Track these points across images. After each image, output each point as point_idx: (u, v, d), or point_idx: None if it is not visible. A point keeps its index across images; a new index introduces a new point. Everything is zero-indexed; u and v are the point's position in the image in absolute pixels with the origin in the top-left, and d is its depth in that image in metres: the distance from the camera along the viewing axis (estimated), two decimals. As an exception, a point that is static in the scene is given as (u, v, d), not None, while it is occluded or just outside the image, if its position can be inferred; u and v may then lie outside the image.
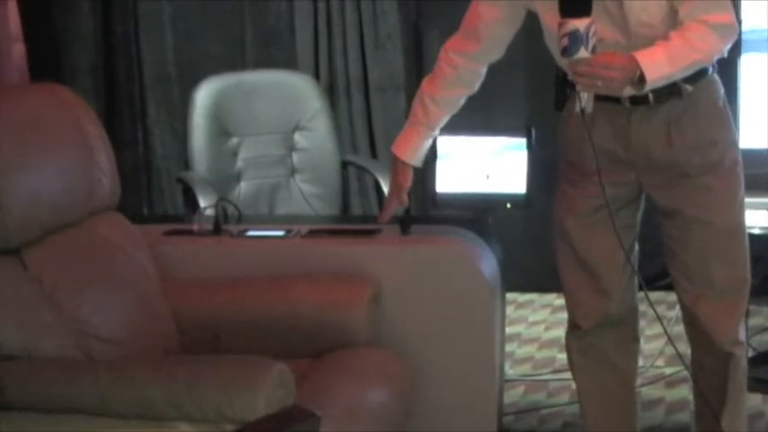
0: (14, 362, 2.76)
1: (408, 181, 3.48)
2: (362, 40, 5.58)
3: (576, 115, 2.99)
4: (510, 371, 4.45)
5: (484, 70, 3.34)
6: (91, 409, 2.64)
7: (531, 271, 5.38)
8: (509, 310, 4.29)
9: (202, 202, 4.21)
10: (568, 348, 3.44)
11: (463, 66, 3.29)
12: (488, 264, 3.60)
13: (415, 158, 3.45)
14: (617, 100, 3.04)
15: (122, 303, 3.15)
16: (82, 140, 3.20)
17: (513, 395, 4.30)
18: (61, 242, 3.07)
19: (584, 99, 2.95)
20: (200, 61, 5.45)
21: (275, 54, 5.66)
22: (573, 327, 3.40)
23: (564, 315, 5.17)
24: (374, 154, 5.59)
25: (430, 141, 3.45)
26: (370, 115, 5.61)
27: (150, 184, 5.57)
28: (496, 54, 3.30)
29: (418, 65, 5.54)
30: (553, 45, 3.03)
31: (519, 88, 5.29)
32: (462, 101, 3.37)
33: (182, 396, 2.60)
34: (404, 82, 5.52)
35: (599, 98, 2.99)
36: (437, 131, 3.44)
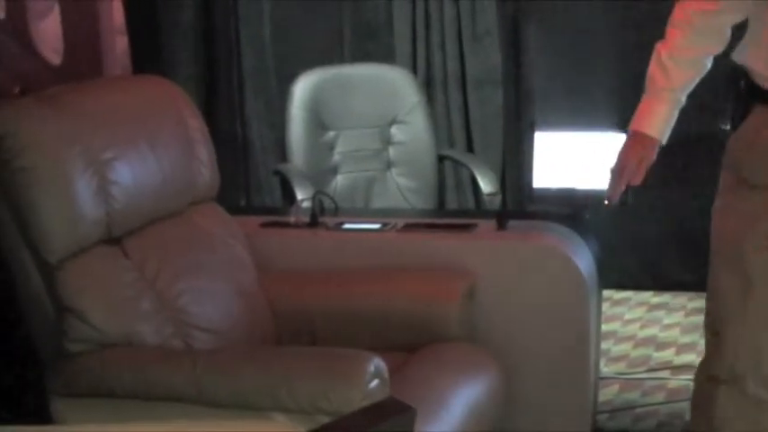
0: (115, 349, 2.80)
1: (652, 157, 3.00)
2: (460, 34, 5.56)
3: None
4: (605, 369, 4.42)
5: (728, 32, 2.95)
6: (188, 397, 2.67)
7: (627, 268, 5.33)
8: (604, 307, 4.24)
9: (299, 195, 4.23)
10: (715, 402, 2.89)
11: (702, 22, 2.91)
12: (584, 260, 3.57)
13: (662, 131, 2.99)
14: None
15: (220, 294, 3.17)
16: (183, 132, 3.24)
17: (607, 393, 4.27)
18: (161, 232, 3.11)
19: None
20: (298, 54, 5.47)
21: (373, 48, 5.67)
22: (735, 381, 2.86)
23: (659, 313, 5.17)
24: (471, 148, 5.57)
25: (677, 112, 2.98)
26: (468, 110, 5.59)
27: (248, 176, 5.60)
28: (738, 17, 2.90)
29: (516, 60, 5.51)
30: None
31: (619, 83, 5.25)
32: (709, 62, 2.97)
33: (278, 387, 2.62)
34: (501, 77, 5.49)
35: None
36: (684, 99, 2.98)
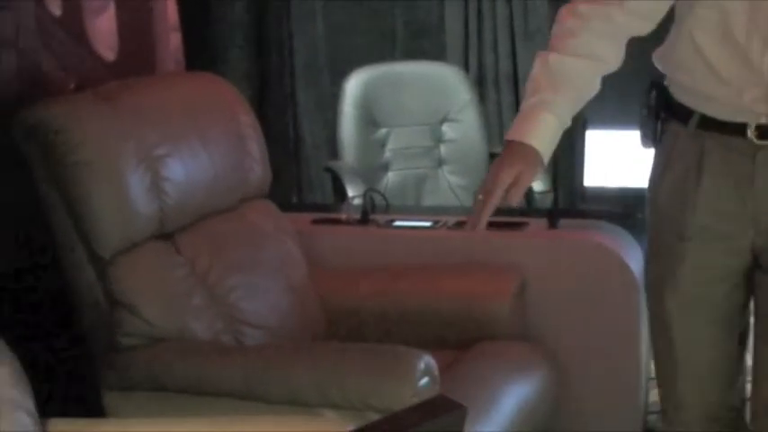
0: (167, 344, 2.81)
1: (532, 176, 2.46)
2: (512, 33, 5.54)
3: (684, 156, 2.40)
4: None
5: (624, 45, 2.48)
6: (238, 393, 2.68)
7: None
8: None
9: (350, 192, 4.24)
10: None
11: (602, 26, 2.45)
12: (636, 259, 3.54)
13: (547, 145, 2.44)
14: (740, 132, 2.33)
15: (272, 290, 3.18)
16: (235, 129, 3.25)
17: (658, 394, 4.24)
18: (213, 228, 3.12)
19: None
20: (350, 52, 5.47)
21: (425, 46, 5.66)
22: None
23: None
24: (522, 147, 5.56)
25: (560, 134, 2.43)
26: (519, 108, 5.57)
27: (299, 173, 5.61)
28: (645, 25, 2.44)
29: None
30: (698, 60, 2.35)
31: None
32: (598, 83, 2.47)
33: (328, 384, 2.62)
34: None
35: (708, 128, 2.37)
36: (569, 121, 2.44)
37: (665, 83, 2.48)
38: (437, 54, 5.57)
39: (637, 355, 3.50)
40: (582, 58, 2.37)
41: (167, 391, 2.72)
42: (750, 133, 2.31)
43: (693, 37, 2.34)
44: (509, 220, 3.73)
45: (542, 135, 2.38)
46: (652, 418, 3.95)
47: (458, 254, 3.50)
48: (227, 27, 5.19)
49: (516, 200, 2.41)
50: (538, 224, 3.61)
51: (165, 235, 2.97)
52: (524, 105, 2.42)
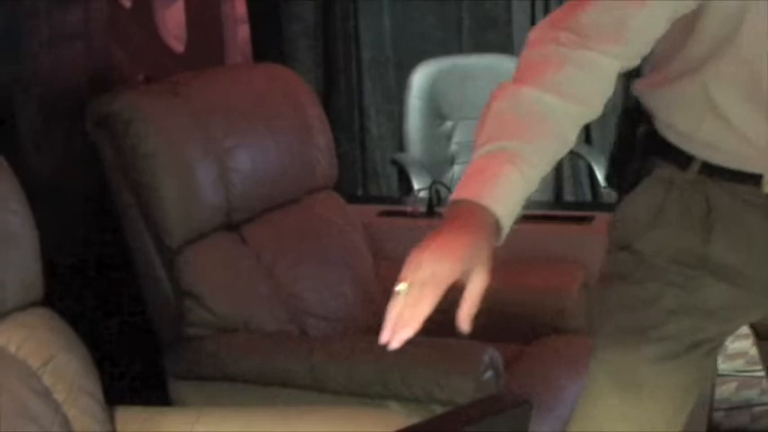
0: (233, 334, 2.83)
1: (486, 256, 1.73)
2: (579, 25, 5.51)
3: (682, 211, 2.00)
4: (722, 366, 4.35)
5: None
6: (303, 383, 2.69)
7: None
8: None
9: (416, 184, 4.24)
10: None
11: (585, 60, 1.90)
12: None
13: (510, 208, 1.74)
14: (753, 182, 1.95)
15: (337, 281, 3.19)
16: (302, 120, 3.26)
17: (724, 391, 4.21)
18: (279, 219, 3.14)
19: None
20: (416, 44, 5.47)
21: (492, 38, 5.64)
22: None
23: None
24: (588, 140, 5.53)
25: (524, 197, 1.76)
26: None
27: (365, 165, 5.62)
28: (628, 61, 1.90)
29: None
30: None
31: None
32: (574, 134, 1.85)
33: (392, 376, 2.62)
34: (619, 69, 5.43)
35: (713, 174, 1.97)
36: (537, 182, 1.77)
37: (655, 122, 2.04)
38: (504, 47, 5.54)
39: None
40: (566, 98, 1.76)
41: (233, 380, 2.74)
42: (766, 178, 1.95)
43: (710, 92, 1.92)
44: (575, 214, 3.72)
45: (506, 197, 1.69)
46: (718, 415, 3.92)
47: (524, 247, 3.47)
48: (295, 19, 5.21)
49: (468, 318, 1.71)
50: (604, 219, 3.58)
51: (232, 226, 2.99)
52: (481, 153, 1.70)
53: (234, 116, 3.03)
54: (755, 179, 1.94)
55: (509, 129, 1.72)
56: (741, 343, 4.75)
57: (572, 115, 1.78)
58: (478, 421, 1.51)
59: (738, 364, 4.53)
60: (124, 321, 3.03)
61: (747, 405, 4.15)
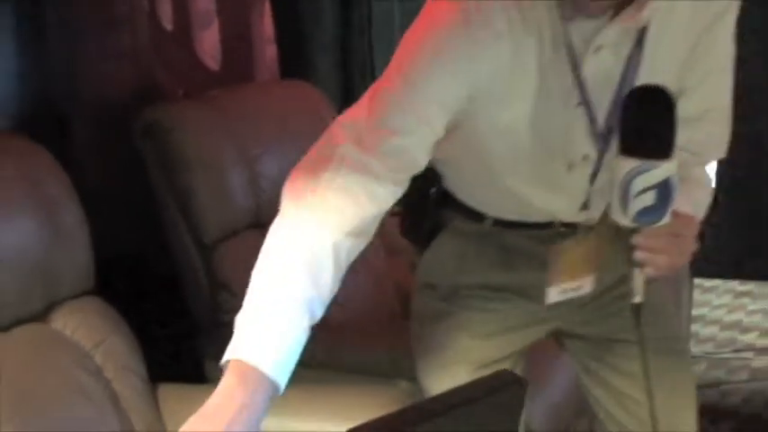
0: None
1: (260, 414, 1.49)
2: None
3: (479, 254, 1.97)
4: (694, 348, 4.34)
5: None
6: (323, 363, 2.68)
7: (715, 260, 5.23)
8: (695, 294, 4.17)
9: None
10: None
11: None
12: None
13: (281, 363, 1.54)
14: (543, 227, 1.95)
15: (352, 271, 3.18)
16: (323, 130, 3.24)
17: (696, 371, 4.20)
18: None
19: (640, 286, 1.75)
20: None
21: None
22: None
23: (744, 300, 5.07)
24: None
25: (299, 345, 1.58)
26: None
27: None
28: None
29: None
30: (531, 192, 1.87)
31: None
32: (335, 280, 1.68)
33: (401, 358, 2.62)
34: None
35: (507, 226, 1.95)
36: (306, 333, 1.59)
37: (446, 184, 1.96)
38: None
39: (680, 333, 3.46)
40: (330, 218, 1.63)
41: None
42: (555, 227, 1.95)
43: (490, 165, 1.85)
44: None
45: (268, 350, 1.49)
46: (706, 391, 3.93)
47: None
48: (317, 40, 5.21)
49: None
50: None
51: (260, 224, 2.99)
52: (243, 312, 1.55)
53: (262, 127, 3.03)
54: (543, 224, 1.94)
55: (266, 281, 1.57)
56: (710, 329, 4.75)
57: (327, 252, 1.62)
58: (479, 399, 1.51)
59: (708, 347, 4.52)
60: (164, 308, 3.03)
61: (716, 383, 4.14)
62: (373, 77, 5.61)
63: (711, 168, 2.00)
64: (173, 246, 2.89)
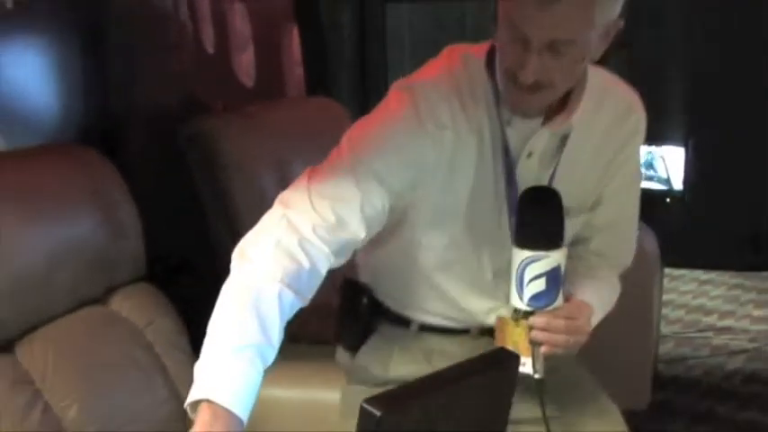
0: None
1: None
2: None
3: (403, 356, 1.90)
4: (664, 329, 4.34)
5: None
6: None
7: (682, 251, 5.22)
8: (665, 281, 4.17)
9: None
10: None
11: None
12: (651, 244, 3.50)
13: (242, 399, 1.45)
14: (464, 332, 1.91)
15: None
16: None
17: (665, 348, 4.19)
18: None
19: (540, 363, 1.71)
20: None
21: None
22: None
23: (707, 287, 5.06)
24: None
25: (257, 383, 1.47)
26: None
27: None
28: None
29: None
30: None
31: (680, 104, 5.14)
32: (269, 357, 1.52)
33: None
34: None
35: (432, 330, 1.89)
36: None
37: (375, 293, 1.91)
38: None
39: (650, 317, 3.47)
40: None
41: (296, 341, 2.73)
42: (473, 333, 1.91)
43: (425, 262, 1.80)
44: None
45: (235, 389, 1.42)
46: (660, 365, 3.91)
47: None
48: (339, 62, 5.21)
49: None
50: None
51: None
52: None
53: (292, 137, 3.03)
54: (465, 331, 1.90)
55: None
56: (677, 312, 4.74)
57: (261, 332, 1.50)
58: (478, 372, 1.51)
59: (676, 327, 4.52)
60: (206, 294, 3.03)
61: (683, 359, 4.14)
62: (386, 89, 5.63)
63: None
64: (216, 246, 2.88)
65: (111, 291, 2.22)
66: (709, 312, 4.72)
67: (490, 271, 1.81)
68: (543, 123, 1.69)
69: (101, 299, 2.21)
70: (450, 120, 1.67)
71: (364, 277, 1.93)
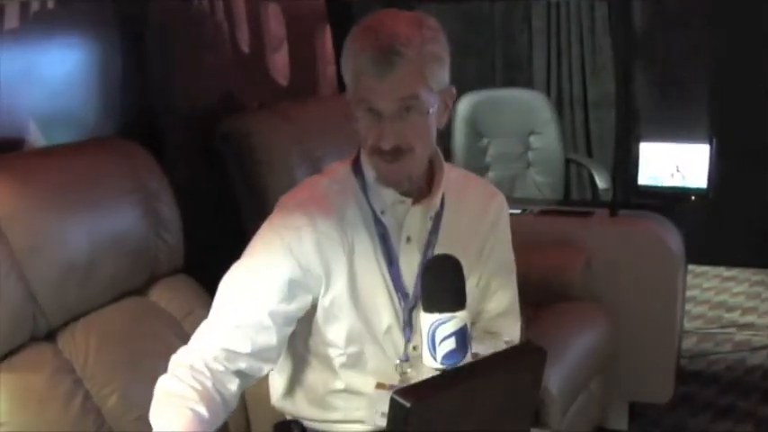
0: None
1: None
2: (584, 67, 5.49)
3: None
4: (687, 324, 4.32)
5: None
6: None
7: (706, 248, 5.19)
8: (688, 277, 4.15)
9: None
10: None
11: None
12: (675, 241, 3.49)
13: None
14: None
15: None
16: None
17: (688, 343, 4.17)
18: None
19: None
20: (460, 81, 5.43)
21: (517, 76, 5.62)
22: None
23: (730, 284, 5.03)
24: (590, 154, 5.50)
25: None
26: (588, 125, 5.51)
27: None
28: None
29: (626, 87, 5.39)
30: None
31: (704, 103, 5.11)
32: None
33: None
34: (614, 100, 5.39)
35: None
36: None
37: (300, 422, 1.88)
38: (527, 82, 5.53)
39: (673, 313, 3.44)
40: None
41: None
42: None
43: (330, 363, 1.86)
44: (580, 209, 3.71)
45: None
46: (684, 360, 3.90)
47: (541, 235, 3.47)
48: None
49: None
50: (601, 213, 3.57)
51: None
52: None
53: (324, 133, 3.03)
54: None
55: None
56: (700, 308, 4.72)
57: None
58: (506, 365, 1.52)
59: (698, 323, 4.50)
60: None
61: (705, 354, 4.12)
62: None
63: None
64: (247, 234, 2.89)
65: (150, 282, 2.24)
66: (731, 309, 4.69)
67: (397, 358, 1.86)
68: (413, 204, 1.81)
69: (141, 290, 2.22)
70: (306, 221, 1.77)
71: (288, 408, 1.95)
